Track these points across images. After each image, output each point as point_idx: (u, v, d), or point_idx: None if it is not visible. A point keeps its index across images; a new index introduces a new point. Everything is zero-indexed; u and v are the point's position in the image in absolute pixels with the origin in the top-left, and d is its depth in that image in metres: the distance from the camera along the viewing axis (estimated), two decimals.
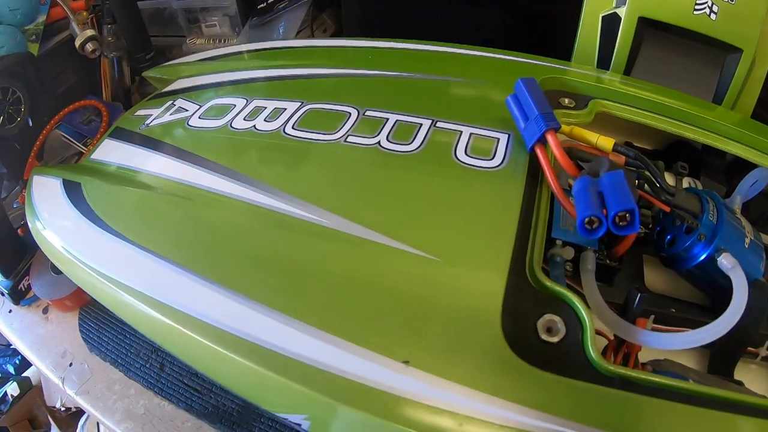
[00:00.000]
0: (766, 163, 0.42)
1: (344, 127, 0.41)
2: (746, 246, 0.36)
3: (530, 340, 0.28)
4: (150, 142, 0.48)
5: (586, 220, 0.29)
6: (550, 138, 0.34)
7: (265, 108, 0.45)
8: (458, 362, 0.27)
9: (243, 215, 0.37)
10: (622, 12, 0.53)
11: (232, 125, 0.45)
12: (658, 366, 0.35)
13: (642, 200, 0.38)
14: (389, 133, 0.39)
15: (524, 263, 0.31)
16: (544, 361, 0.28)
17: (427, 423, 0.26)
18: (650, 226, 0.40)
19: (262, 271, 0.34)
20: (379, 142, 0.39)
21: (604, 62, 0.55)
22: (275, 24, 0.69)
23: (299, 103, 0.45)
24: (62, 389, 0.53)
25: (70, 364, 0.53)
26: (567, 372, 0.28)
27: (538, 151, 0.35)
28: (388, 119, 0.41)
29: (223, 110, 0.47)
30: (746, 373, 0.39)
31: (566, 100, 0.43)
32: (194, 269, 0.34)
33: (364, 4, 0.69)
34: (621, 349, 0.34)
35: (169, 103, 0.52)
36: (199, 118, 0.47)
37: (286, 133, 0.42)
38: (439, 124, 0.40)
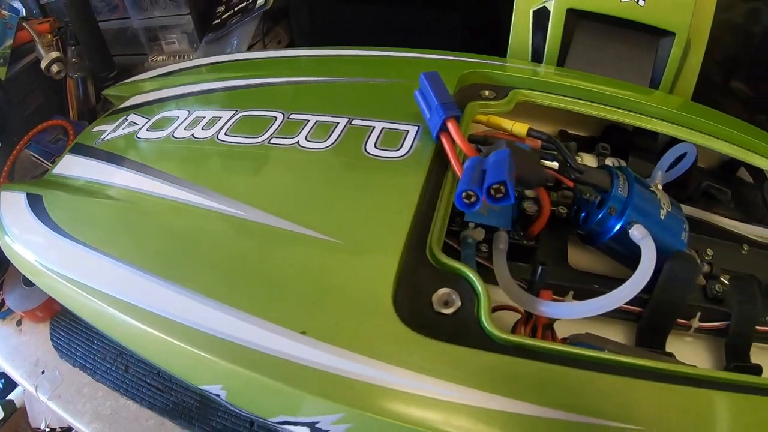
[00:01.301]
0: (693, 139, 0.44)
1: (269, 131, 0.44)
2: (662, 217, 0.37)
3: (425, 312, 0.30)
4: (104, 155, 0.50)
5: (463, 194, 0.31)
6: (450, 125, 0.36)
7: (204, 118, 0.48)
8: (352, 332, 0.30)
9: (173, 213, 0.40)
10: (551, 5, 0.54)
11: (174, 135, 0.48)
12: (575, 339, 0.36)
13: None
14: (308, 132, 0.42)
15: (425, 243, 0.33)
16: (438, 331, 0.30)
17: (322, 387, 0.28)
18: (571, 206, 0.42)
19: (177, 254, 0.37)
20: (298, 142, 0.42)
21: (538, 56, 0.57)
22: (229, 38, 0.71)
23: (233, 111, 0.47)
24: (44, 409, 0.54)
25: (43, 372, 0.55)
26: (460, 341, 0.29)
27: (443, 139, 0.37)
28: (309, 120, 0.43)
29: (168, 122, 0.50)
30: (680, 346, 0.39)
31: (486, 92, 0.45)
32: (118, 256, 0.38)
33: (312, 15, 0.71)
34: (530, 321, 0.36)
35: (123, 118, 0.55)
36: (147, 130, 0.50)
37: (219, 140, 0.45)
38: (354, 122, 0.42)
